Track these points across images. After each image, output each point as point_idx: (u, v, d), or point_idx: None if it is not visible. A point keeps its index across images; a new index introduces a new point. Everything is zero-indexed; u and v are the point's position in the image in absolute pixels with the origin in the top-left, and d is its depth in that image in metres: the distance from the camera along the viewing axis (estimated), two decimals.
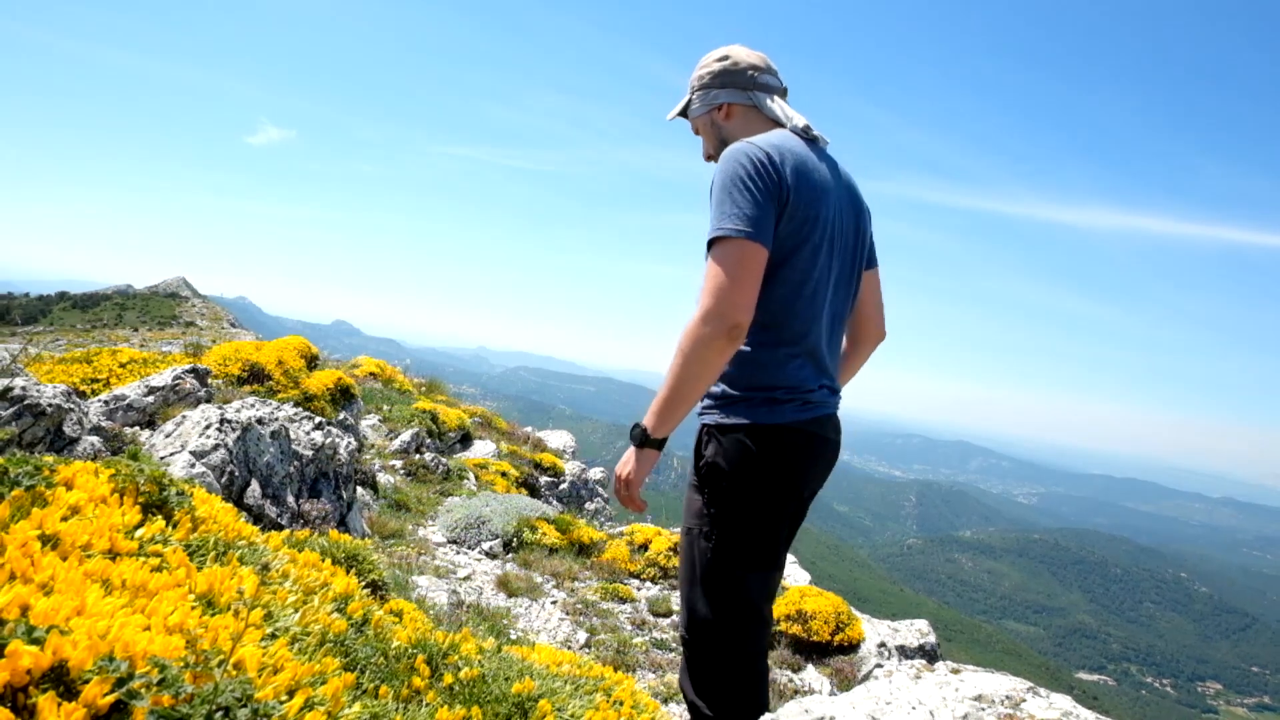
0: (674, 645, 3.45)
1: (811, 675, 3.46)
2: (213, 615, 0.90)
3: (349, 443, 3.74)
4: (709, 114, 1.53)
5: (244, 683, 0.78)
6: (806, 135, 1.44)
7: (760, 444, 1.36)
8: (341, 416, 5.30)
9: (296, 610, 1.09)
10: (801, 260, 1.36)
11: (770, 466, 1.36)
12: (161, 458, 2.52)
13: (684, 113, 1.60)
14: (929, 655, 3.81)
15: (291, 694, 0.82)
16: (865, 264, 1.55)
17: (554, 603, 3.64)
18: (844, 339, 1.57)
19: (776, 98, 1.51)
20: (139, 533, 1.09)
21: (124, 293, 36.82)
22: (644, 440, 1.36)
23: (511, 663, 1.37)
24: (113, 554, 0.97)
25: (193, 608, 0.88)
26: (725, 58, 1.52)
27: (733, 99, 1.50)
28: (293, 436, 3.21)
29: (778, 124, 1.48)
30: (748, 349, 1.39)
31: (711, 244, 1.29)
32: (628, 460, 1.39)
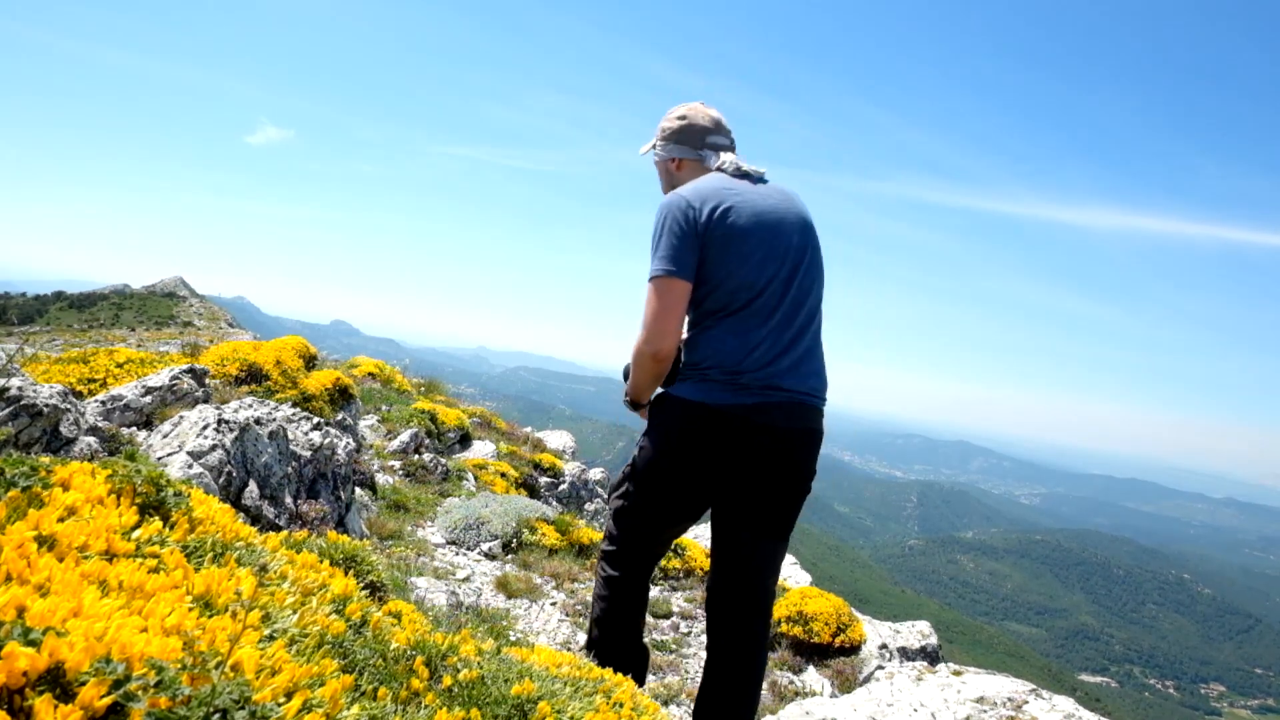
0: (674, 647, 3.45)
1: (812, 677, 3.45)
2: (210, 617, 0.90)
3: (347, 443, 3.73)
4: (665, 163, 1.92)
5: (242, 685, 0.77)
6: (738, 173, 1.79)
7: (674, 412, 1.70)
8: (340, 417, 5.29)
9: (294, 612, 1.08)
10: (734, 270, 1.67)
11: (674, 435, 1.70)
12: (159, 458, 2.52)
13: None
14: (930, 657, 3.80)
15: (289, 696, 0.82)
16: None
17: (554, 604, 3.64)
18: (808, 333, 1.77)
19: (722, 154, 1.85)
20: (136, 534, 1.08)
21: (121, 292, 36.80)
22: (634, 406, 1.87)
23: (511, 664, 1.36)
24: (110, 555, 0.97)
25: (190, 609, 0.87)
26: (684, 118, 1.88)
27: (684, 155, 1.88)
28: (291, 437, 3.20)
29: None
30: (695, 334, 1.73)
31: (649, 282, 1.68)
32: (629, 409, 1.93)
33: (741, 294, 1.68)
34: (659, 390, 1.80)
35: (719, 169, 1.81)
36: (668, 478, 1.76)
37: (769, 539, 1.77)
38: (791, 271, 1.72)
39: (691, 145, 1.86)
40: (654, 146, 1.93)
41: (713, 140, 1.85)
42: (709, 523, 1.88)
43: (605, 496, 7.99)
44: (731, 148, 1.88)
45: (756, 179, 1.79)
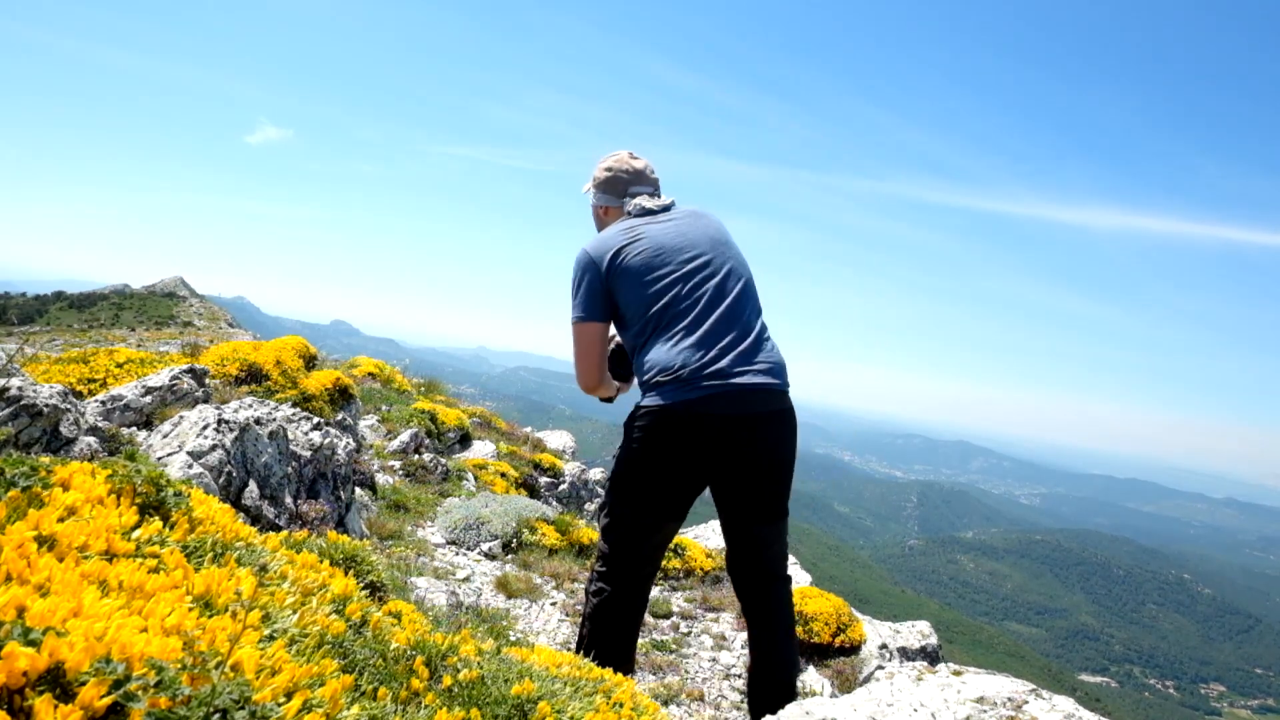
0: (674, 647, 3.45)
1: (812, 677, 3.45)
2: (210, 617, 0.90)
3: (347, 443, 3.73)
4: (595, 209, 2.20)
5: (242, 685, 0.77)
6: (641, 212, 2.05)
7: (633, 418, 1.93)
8: (340, 417, 5.29)
9: (294, 612, 1.08)
10: (643, 297, 1.92)
11: (636, 437, 1.90)
12: (159, 458, 2.52)
13: None
14: (930, 657, 3.80)
15: (289, 696, 0.82)
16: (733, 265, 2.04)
17: (554, 604, 3.64)
18: (734, 328, 1.91)
19: (641, 199, 2.09)
20: (136, 534, 1.08)
21: (121, 292, 36.77)
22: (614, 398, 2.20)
23: (511, 664, 1.36)
24: (110, 555, 0.97)
25: (190, 609, 0.87)
26: (609, 170, 2.14)
27: (609, 204, 2.15)
28: (291, 437, 3.21)
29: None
30: (636, 357, 1.96)
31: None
32: None
33: (654, 314, 1.92)
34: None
35: (627, 212, 2.09)
36: (636, 477, 1.93)
37: (759, 523, 1.93)
38: (702, 280, 1.94)
39: (616, 194, 2.14)
40: (590, 192, 2.22)
41: (634, 190, 2.12)
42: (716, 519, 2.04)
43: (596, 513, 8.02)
44: (653, 192, 2.14)
45: (660, 210, 2.06)
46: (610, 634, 1.97)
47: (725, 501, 1.95)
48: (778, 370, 1.93)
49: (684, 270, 1.94)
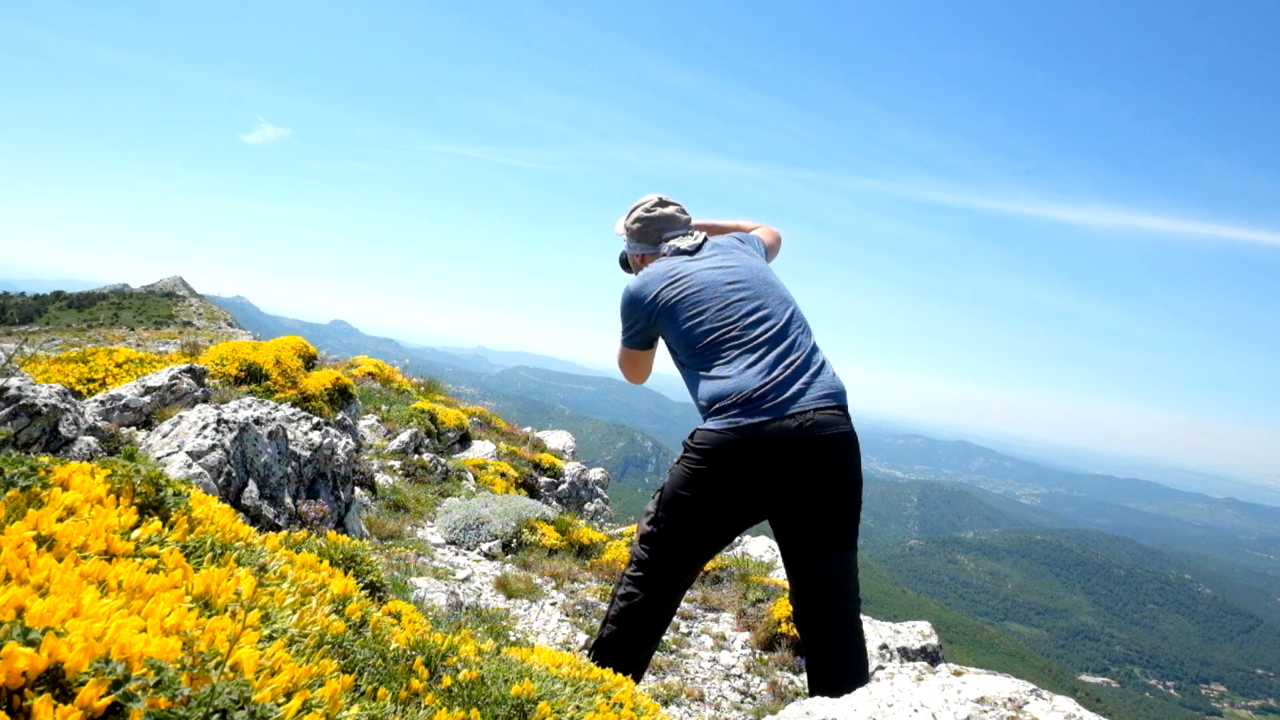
0: (674, 647, 3.45)
1: None
2: (210, 617, 0.89)
3: (347, 443, 3.73)
4: (631, 256, 2.33)
5: (241, 685, 0.77)
6: (676, 252, 2.14)
7: (695, 442, 1.91)
8: (339, 417, 5.29)
9: (294, 612, 1.08)
10: (689, 331, 1.98)
11: (695, 461, 1.89)
12: (158, 458, 2.52)
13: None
14: (931, 657, 3.80)
15: (289, 696, 0.82)
16: (763, 268, 2.14)
17: (553, 604, 3.64)
18: (779, 351, 1.93)
19: (675, 241, 2.19)
20: (135, 534, 1.08)
21: (120, 292, 36.76)
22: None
23: (511, 664, 1.36)
24: (109, 555, 0.97)
25: (189, 609, 0.87)
26: (639, 221, 2.26)
27: (644, 251, 2.27)
28: (290, 437, 3.20)
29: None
30: (692, 384, 1.99)
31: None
32: None
33: (706, 345, 1.96)
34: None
35: (664, 254, 2.19)
36: (691, 500, 1.91)
37: (823, 548, 1.90)
38: (752, 310, 1.98)
39: (650, 242, 2.25)
40: (622, 237, 2.35)
41: (667, 234, 2.23)
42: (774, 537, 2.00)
43: (604, 497, 8.01)
44: (685, 230, 2.23)
45: (693, 250, 2.14)
46: (632, 639, 1.96)
47: (788, 529, 1.90)
48: (838, 393, 1.92)
49: (731, 301, 1.98)
